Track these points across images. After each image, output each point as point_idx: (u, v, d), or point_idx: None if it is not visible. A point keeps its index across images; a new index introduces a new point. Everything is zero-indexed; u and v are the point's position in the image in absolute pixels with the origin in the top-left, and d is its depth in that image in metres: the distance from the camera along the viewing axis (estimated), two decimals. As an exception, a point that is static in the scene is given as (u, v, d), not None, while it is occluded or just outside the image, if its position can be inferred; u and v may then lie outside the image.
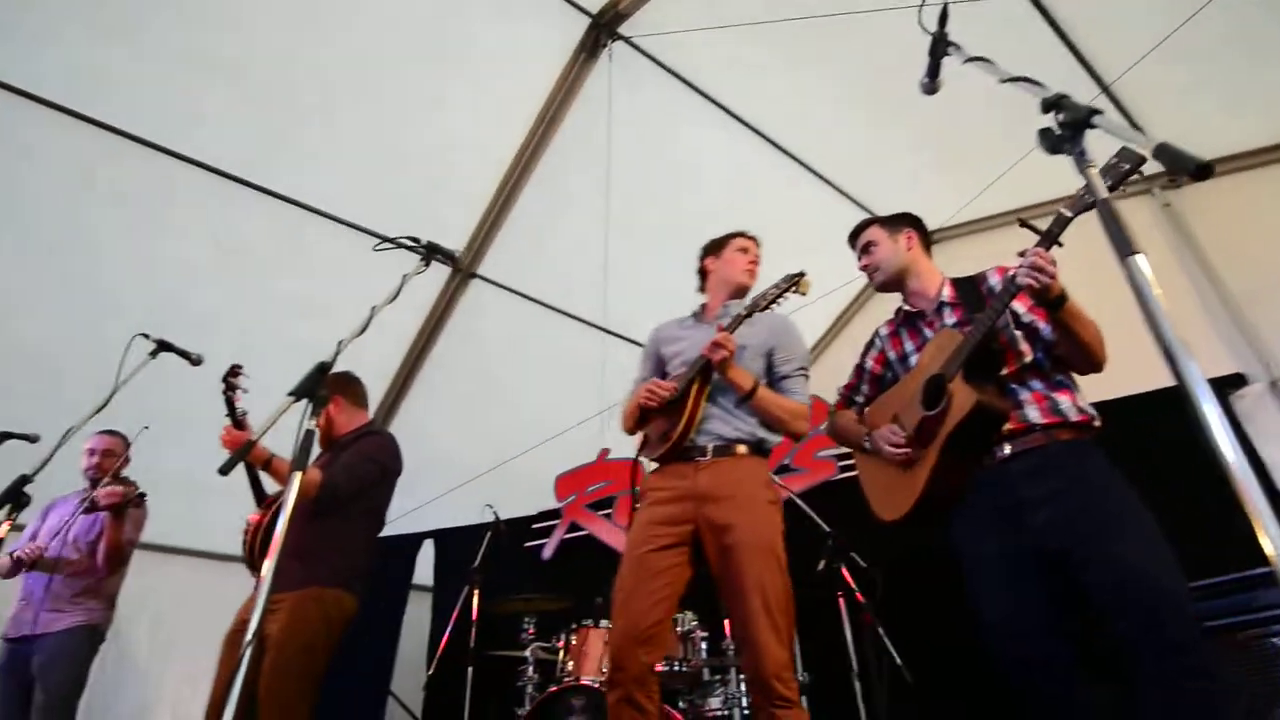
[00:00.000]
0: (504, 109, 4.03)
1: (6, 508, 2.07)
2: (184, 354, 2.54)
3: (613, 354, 4.73)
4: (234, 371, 2.59)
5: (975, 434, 1.76)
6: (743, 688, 3.00)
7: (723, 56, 3.99)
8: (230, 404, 2.58)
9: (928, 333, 2.03)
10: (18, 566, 3.07)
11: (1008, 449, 1.79)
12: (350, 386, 2.93)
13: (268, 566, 1.53)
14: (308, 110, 3.75)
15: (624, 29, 3.88)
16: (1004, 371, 1.84)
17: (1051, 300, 1.66)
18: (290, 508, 1.57)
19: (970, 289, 2.01)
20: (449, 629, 3.73)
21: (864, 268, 2.17)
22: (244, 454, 1.62)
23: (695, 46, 3.89)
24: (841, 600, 2.84)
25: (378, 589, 4.64)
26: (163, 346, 2.50)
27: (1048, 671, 1.64)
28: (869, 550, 3.00)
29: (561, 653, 3.24)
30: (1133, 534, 1.61)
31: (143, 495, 3.13)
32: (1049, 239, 1.67)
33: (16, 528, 2.31)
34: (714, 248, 2.44)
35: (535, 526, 4.53)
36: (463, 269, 4.39)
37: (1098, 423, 1.81)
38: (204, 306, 3.92)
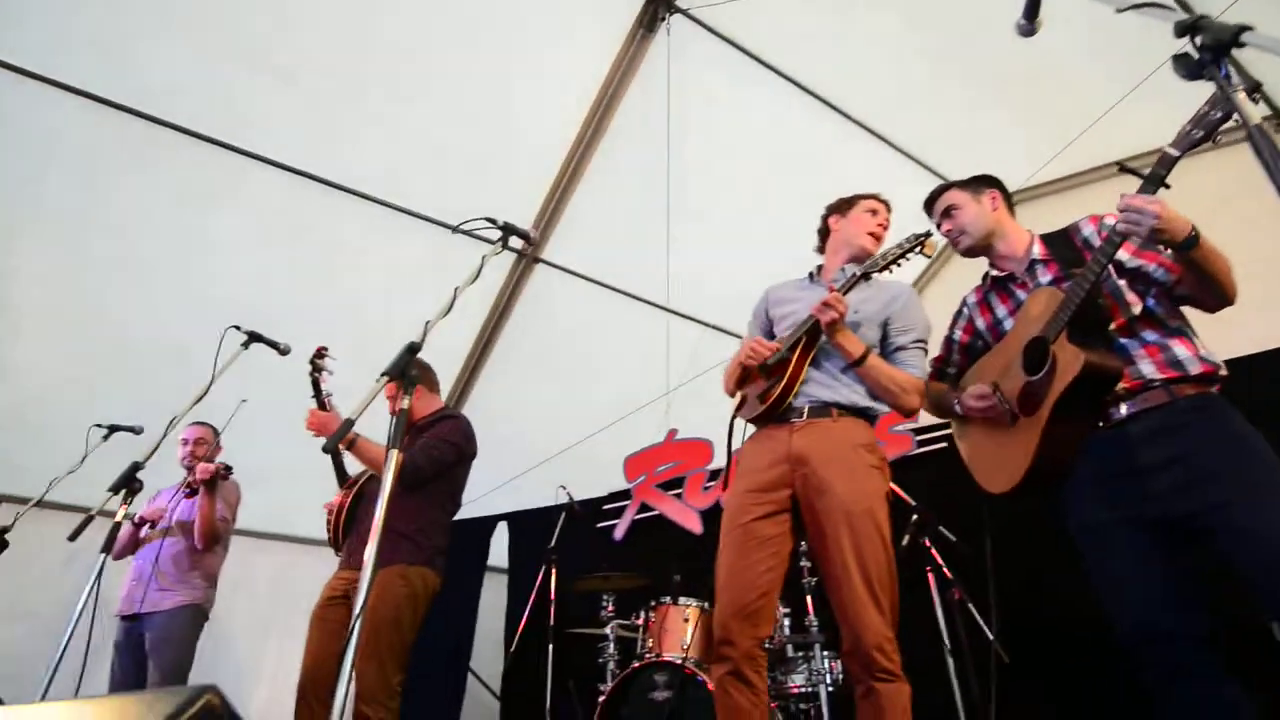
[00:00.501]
0: (563, 91, 4.02)
1: (122, 492, 2.19)
2: (273, 344, 2.63)
3: (677, 334, 4.71)
4: (319, 354, 2.66)
5: (1085, 397, 1.65)
6: (827, 664, 2.96)
7: (781, 24, 3.88)
8: (316, 386, 2.65)
9: (1020, 294, 1.93)
10: (136, 537, 3.32)
11: (1124, 409, 1.68)
12: (425, 373, 2.99)
13: (370, 549, 1.54)
14: (365, 103, 3.81)
15: (681, 1, 3.81)
16: (1111, 327, 1.73)
17: (1182, 242, 1.53)
18: (389, 486, 1.60)
19: (1063, 243, 1.90)
20: (528, 608, 3.80)
21: (947, 233, 2.06)
22: (345, 431, 1.66)
23: (753, 15, 3.79)
24: (930, 576, 2.75)
25: (454, 570, 4.76)
26: (253, 338, 2.59)
27: (1172, 644, 1.55)
28: (952, 524, 2.92)
29: (641, 630, 3.26)
30: (1267, 499, 1.49)
31: (229, 468, 3.28)
32: (1154, 182, 1.55)
33: (128, 517, 2.44)
34: (840, 206, 2.29)
35: (606, 508, 4.55)
36: (528, 254, 4.43)
37: (1223, 371, 1.68)
38: (278, 300, 4.05)
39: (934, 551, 2.84)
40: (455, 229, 2.08)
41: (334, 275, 4.20)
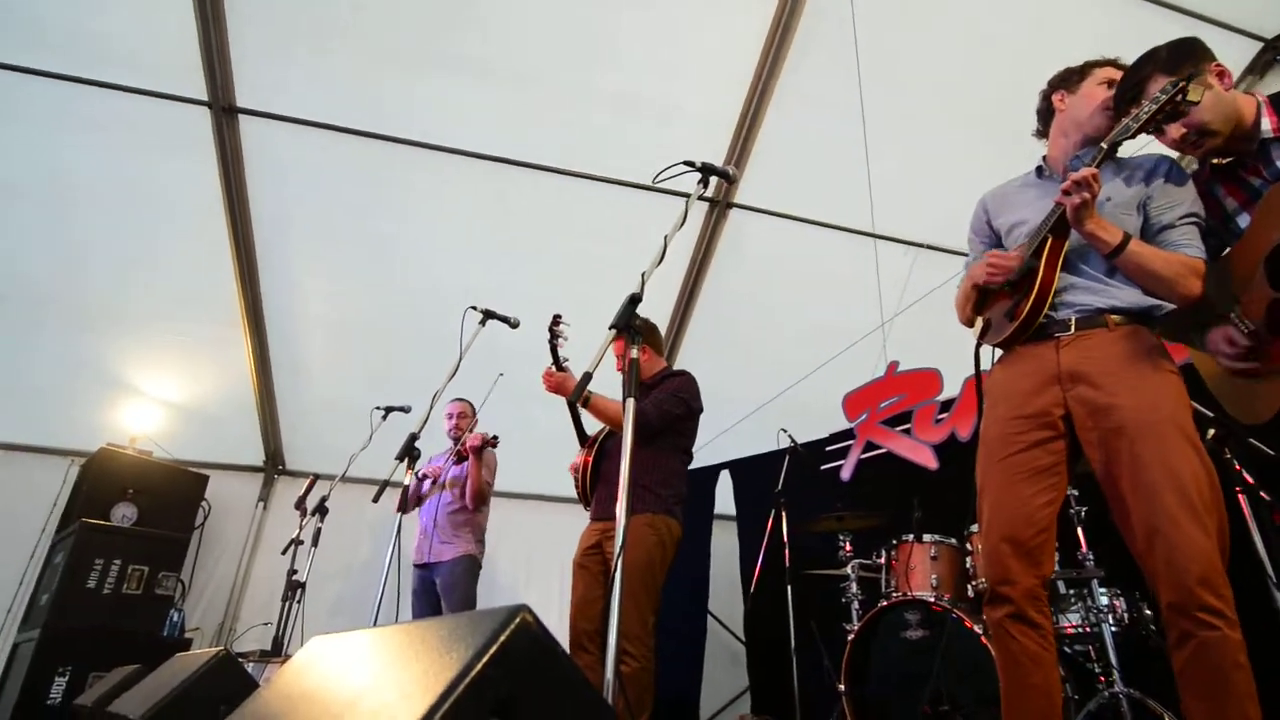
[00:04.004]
0: (732, 28, 3.85)
1: (405, 460, 2.53)
2: (504, 319, 2.86)
3: (886, 260, 4.40)
4: (556, 321, 2.82)
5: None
6: (1107, 600, 2.65)
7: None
8: (554, 351, 2.83)
9: (1253, 183, 1.56)
10: (420, 491, 3.90)
11: None
12: (652, 334, 3.09)
13: (621, 502, 1.63)
14: (547, 85, 3.93)
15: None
16: None
17: None
18: (630, 435, 1.66)
19: None
20: (762, 551, 3.84)
21: (1180, 140, 1.61)
22: (586, 384, 1.74)
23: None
24: (1241, 498, 2.32)
25: (684, 520, 4.98)
26: (488, 315, 2.83)
27: None
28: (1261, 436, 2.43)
29: (884, 569, 3.15)
30: None
31: (496, 438, 3.75)
32: None
33: (415, 475, 2.83)
34: (1067, 79, 1.90)
35: (829, 449, 4.43)
36: (720, 201, 4.37)
37: None
38: (501, 279, 4.41)
39: (1240, 467, 2.39)
40: (655, 178, 2.08)
41: (544, 248, 4.46)
